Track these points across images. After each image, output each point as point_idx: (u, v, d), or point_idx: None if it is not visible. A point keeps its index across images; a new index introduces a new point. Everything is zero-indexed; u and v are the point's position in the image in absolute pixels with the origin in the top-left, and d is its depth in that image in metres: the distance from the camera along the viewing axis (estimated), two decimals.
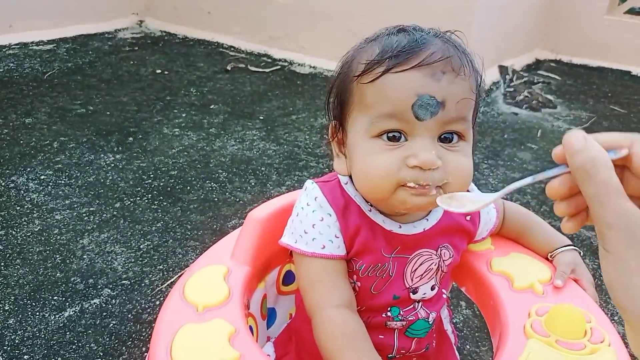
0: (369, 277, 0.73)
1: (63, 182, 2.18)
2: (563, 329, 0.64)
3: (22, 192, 2.09)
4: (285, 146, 2.63)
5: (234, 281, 0.74)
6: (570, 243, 0.83)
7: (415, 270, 0.74)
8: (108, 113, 2.84)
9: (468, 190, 0.69)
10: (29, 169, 2.25)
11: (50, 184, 2.16)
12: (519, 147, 2.78)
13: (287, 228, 0.75)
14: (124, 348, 1.38)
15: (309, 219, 0.71)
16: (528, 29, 4.02)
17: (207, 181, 2.26)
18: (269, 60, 3.90)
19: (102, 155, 2.41)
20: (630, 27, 3.95)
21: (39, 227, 1.88)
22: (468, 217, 0.79)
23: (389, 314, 0.76)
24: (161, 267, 1.71)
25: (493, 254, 0.82)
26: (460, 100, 0.63)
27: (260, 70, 3.68)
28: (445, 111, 0.63)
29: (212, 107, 3.04)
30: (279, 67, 3.78)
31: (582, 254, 0.84)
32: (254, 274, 0.79)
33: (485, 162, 2.56)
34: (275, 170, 2.38)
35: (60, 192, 2.10)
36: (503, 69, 3.67)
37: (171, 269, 1.69)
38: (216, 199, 2.12)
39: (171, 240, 1.85)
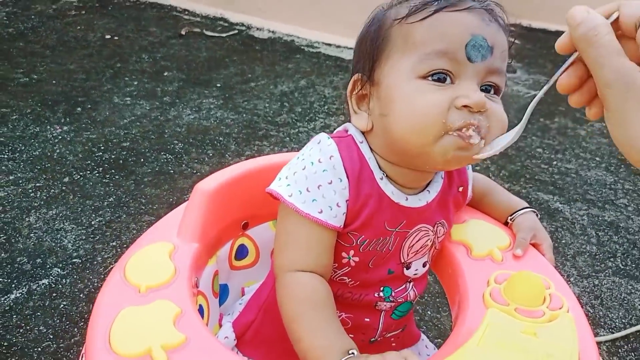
0: (369, 251, 0.69)
1: (6, 156, 2.05)
2: (522, 296, 0.63)
3: None
4: (244, 115, 2.55)
5: (180, 259, 0.69)
6: (528, 205, 0.83)
7: (413, 245, 0.72)
8: (54, 82, 2.68)
9: None
10: None
11: None
12: None
13: (284, 177, 0.67)
14: (75, 329, 1.32)
15: (316, 177, 0.65)
16: None
17: (162, 152, 2.17)
18: (226, 24, 3.75)
19: (48, 127, 2.28)
20: None
21: None
22: (460, 189, 0.77)
23: (380, 294, 0.73)
24: (114, 243, 1.63)
25: None
26: (504, 51, 0.63)
27: (217, 35, 3.54)
28: (493, 58, 0.62)
29: (165, 74, 2.91)
30: (236, 31, 3.64)
31: (539, 215, 0.83)
32: (203, 251, 0.74)
33: None
34: (234, 140, 2.31)
35: (3, 167, 1.98)
36: None
37: (125, 245, 1.62)
38: (172, 171, 2.04)
39: (124, 216, 1.77)
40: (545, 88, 0.52)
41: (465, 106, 0.59)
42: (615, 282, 1.68)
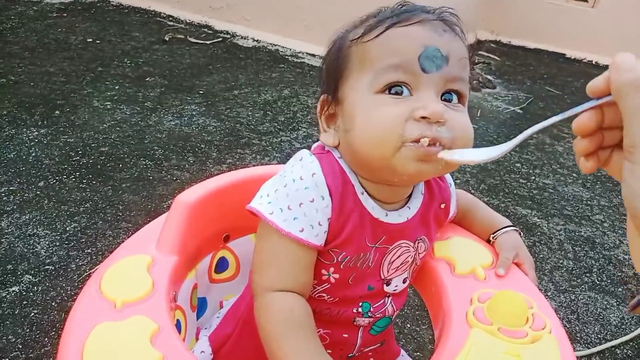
0: (350, 267, 0.68)
1: None
2: (505, 316, 0.63)
3: None
4: (226, 122, 2.53)
5: (158, 273, 0.67)
6: (510, 223, 0.83)
7: (393, 262, 0.71)
8: (32, 84, 2.62)
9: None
10: None
11: None
12: None
13: (265, 194, 0.66)
14: (46, 339, 1.28)
15: (298, 195, 0.63)
16: (469, 10, 4.06)
17: (142, 158, 2.14)
18: (210, 31, 3.73)
19: (25, 129, 2.23)
20: (566, 10, 4.08)
21: None
22: (442, 205, 0.76)
23: (359, 309, 0.73)
24: (89, 250, 1.60)
25: (434, 237, 0.80)
26: (461, 59, 0.63)
27: (201, 42, 3.52)
28: (449, 67, 0.62)
29: (148, 79, 2.87)
30: (220, 39, 3.62)
31: (521, 234, 0.83)
32: (182, 264, 0.72)
33: None
34: (215, 148, 2.29)
35: None
36: None
37: (100, 253, 1.59)
38: (151, 178, 2.01)
39: (101, 222, 1.74)
40: (555, 119, 0.49)
41: (423, 117, 0.59)
42: (591, 297, 1.70)
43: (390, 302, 0.75)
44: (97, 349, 0.55)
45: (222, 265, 0.84)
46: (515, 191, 2.22)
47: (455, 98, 0.63)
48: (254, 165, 2.16)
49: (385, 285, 0.73)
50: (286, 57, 3.48)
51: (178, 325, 0.70)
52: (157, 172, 2.06)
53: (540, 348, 0.60)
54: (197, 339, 0.80)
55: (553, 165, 2.47)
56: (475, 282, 0.72)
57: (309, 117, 2.68)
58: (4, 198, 1.80)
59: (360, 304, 0.72)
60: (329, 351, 0.63)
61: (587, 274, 1.80)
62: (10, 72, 2.71)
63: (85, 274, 1.50)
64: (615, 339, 1.54)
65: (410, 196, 0.72)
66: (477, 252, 0.78)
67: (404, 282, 0.75)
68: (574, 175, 2.40)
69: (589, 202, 2.21)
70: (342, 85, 0.66)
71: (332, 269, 0.68)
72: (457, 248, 0.78)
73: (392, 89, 0.61)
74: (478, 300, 0.68)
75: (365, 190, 0.68)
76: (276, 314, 0.62)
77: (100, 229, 1.70)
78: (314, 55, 3.54)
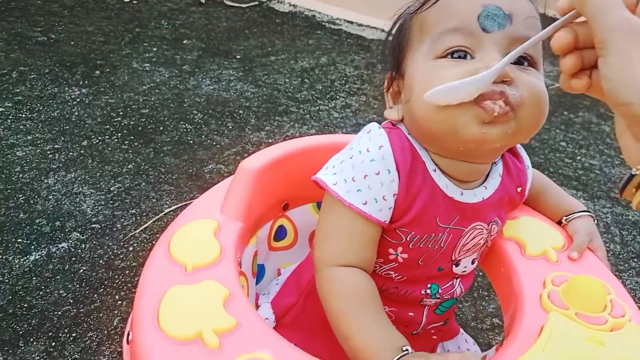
0: (420, 248, 0.66)
1: (24, 115, 2.02)
2: (583, 301, 0.61)
3: None
4: (264, 89, 2.50)
5: (225, 238, 0.66)
6: (585, 208, 0.79)
7: (466, 244, 0.69)
8: (72, 43, 2.63)
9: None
10: None
11: (10, 117, 2.00)
12: None
13: (331, 165, 0.65)
14: (95, 295, 1.31)
15: (363, 167, 0.61)
16: None
17: (182, 122, 2.14)
18: None
19: (67, 88, 2.24)
20: None
21: None
22: (519, 189, 0.73)
23: (427, 291, 0.71)
24: (133, 211, 1.62)
25: None
26: (528, 18, 0.58)
27: (237, 5, 3.46)
28: (514, 26, 0.57)
29: (185, 42, 2.85)
30: (256, 2, 3.55)
31: (596, 220, 0.80)
32: (246, 230, 0.71)
33: None
34: (254, 114, 2.27)
35: (22, 127, 1.95)
36: None
37: (144, 214, 1.61)
38: (191, 142, 2.01)
39: (144, 184, 1.75)
40: (533, 41, 0.51)
41: None
42: (639, 283, 1.65)
43: (459, 283, 0.73)
44: (172, 311, 0.55)
45: (280, 233, 0.83)
46: (560, 171, 2.16)
47: (525, 62, 0.59)
48: (294, 134, 2.15)
49: (454, 266, 0.71)
50: (323, 23, 3.40)
51: None
52: (197, 136, 2.06)
53: (624, 336, 0.57)
54: (256, 304, 0.80)
55: (600, 146, 2.38)
56: (547, 265, 0.70)
57: (347, 86, 2.63)
58: (50, 156, 1.82)
59: (428, 285, 0.71)
60: None
61: (635, 259, 1.75)
62: (51, 30, 2.72)
63: (131, 234, 1.52)
64: None
65: (487, 177, 0.69)
66: (548, 234, 0.75)
67: (472, 263, 0.73)
68: (621, 156, 2.32)
69: None
70: (404, 59, 0.65)
71: (400, 249, 0.66)
72: (527, 228, 0.75)
73: (454, 54, 0.58)
74: (552, 283, 0.66)
75: (438, 167, 0.65)
76: (341, 290, 0.61)
77: (143, 190, 1.71)
78: (351, 23, 3.45)
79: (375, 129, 0.64)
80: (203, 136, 2.06)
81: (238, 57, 2.79)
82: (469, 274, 0.74)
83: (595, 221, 0.79)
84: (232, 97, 2.39)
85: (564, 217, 0.78)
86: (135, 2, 3.27)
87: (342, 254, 0.62)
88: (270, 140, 2.08)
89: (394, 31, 0.67)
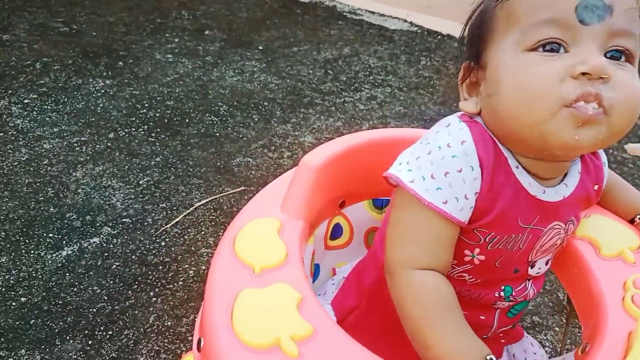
0: (499, 250, 0.63)
1: (49, 107, 2.00)
2: None
3: (4, 117, 1.92)
4: (287, 80, 2.46)
5: (289, 237, 0.63)
6: None
7: (544, 244, 0.66)
8: (94, 33, 2.61)
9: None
10: (10, 92, 2.05)
11: (36, 109, 1.98)
12: None
13: (404, 162, 0.60)
14: (130, 292, 1.30)
15: (444, 164, 0.57)
16: None
17: (207, 114, 2.11)
18: None
19: (91, 79, 2.22)
20: None
21: (26, 157, 1.73)
22: (596, 187, 0.70)
23: (501, 293, 0.68)
24: (164, 205, 1.59)
25: None
26: (630, 9, 0.54)
27: None
28: (614, 18, 0.53)
29: (206, 32, 2.82)
30: None
31: None
32: (306, 229, 0.68)
33: None
34: (279, 106, 2.24)
35: (48, 119, 1.94)
36: None
37: (175, 208, 1.59)
38: (218, 134, 1.99)
39: (173, 177, 1.73)
40: None
41: (583, 74, 0.51)
42: None
43: (532, 285, 0.70)
44: (246, 316, 0.52)
45: (336, 231, 0.80)
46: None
47: (622, 57, 0.55)
48: (320, 128, 2.11)
49: (529, 267, 0.68)
50: (344, 13, 3.35)
51: None
52: (223, 128, 2.03)
53: None
54: None
55: (632, 139, 2.32)
56: (625, 266, 0.66)
57: (371, 77, 2.59)
58: (77, 148, 1.81)
59: (502, 287, 0.67)
60: None
61: None
62: (72, 21, 2.70)
63: (162, 228, 1.50)
64: None
65: (566, 174, 0.66)
66: (622, 233, 0.71)
67: (546, 264, 0.70)
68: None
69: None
70: (485, 49, 0.60)
71: (477, 250, 0.63)
72: (600, 228, 0.71)
73: (546, 46, 0.54)
74: (634, 285, 0.62)
75: (520, 164, 0.62)
76: (423, 295, 0.57)
77: (172, 184, 1.69)
78: (373, 13, 3.40)
79: (456, 123, 0.60)
80: (229, 129, 2.03)
81: (260, 48, 2.75)
82: (542, 275, 0.71)
83: None
84: (257, 88, 2.36)
85: (638, 216, 0.75)
86: None
87: (420, 257, 0.59)
88: (296, 133, 2.05)
89: (473, 19, 0.63)
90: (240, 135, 2.00)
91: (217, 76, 2.41)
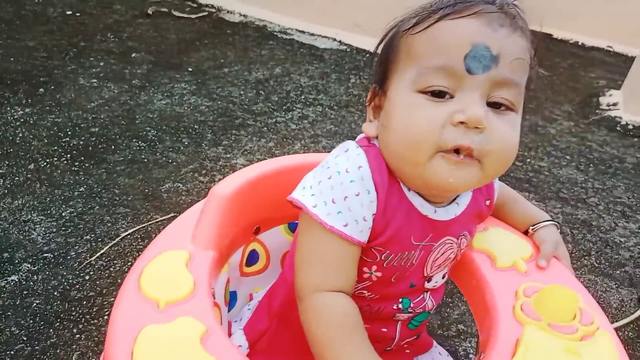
0: (393, 267, 0.66)
1: None
2: (554, 311, 0.62)
3: None
4: (218, 102, 2.46)
5: (197, 269, 0.64)
6: (550, 218, 0.82)
7: (437, 259, 0.70)
8: (12, 59, 2.50)
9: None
10: None
11: None
12: None
13: (308, 186, 0.63)
14: (51, 330, 1.24)
15: (343, 188, 0.60)
16: None
17: (134, 140, 2.07)
18: (194, 5, 3.61)
19: (9, 108, 2.13)
20: None
21: None
22: (488, 202, 0.75)
23: (400, 305, 0.71)
24: (88, 237, 1.54)
25: None
26: (516, 60, 0.58)
27: (186, 16, 3.40)
28: (499, 68, 0.57)
29: (133, 55, 2.77)
30: (206, 13, 3.50)
31: (560, 229, 0.82)
32: (218, 259, 0.69)
33: None
34: (209, 129, 2.23)
35: None
36: None
37: (100, 239, 1.54)
38: (146, 160, 1.95)
39: (97, 207, 1.68)
40: None
41: (462, 122, 0.56)
42: (591, 280, 1.73)
43: (430, 297, 0.74)
44: (147, 353, 0.52)
45: (252, 258, 0.81)
46: (512, 174, 2.23)
47: (503, 107, 0.59)
48: (252, 148, 2.12)
49: (426, 282, 0.71)
50: (275, 33, 3.39)
51: None
52: (151, 154, 2.00)
53: (596, 345, 0.59)
54: (229, 332, 0.78)
55: (547, 148, 2.49)
56: (518, 276, 0.72)
57: (302, 97, 2.63)
58: None
59: (400, 300, 0.71)
60: None
61: (586, 257, 1.83)
62: None
63: (86, 261, 1.45)
64: (616, 321, 1.57)
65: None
66: (517, 245, 0.77)
67: (443, 277, 0.74)
68: (567, 157, 2.43)
69: (583, 185, 2.24)
70: (388, 77, 0.64)
71: (374, 267, 0.66)
72: (496, 240, 0.77)
73: (434, 91, 0.58)
74: (524, 294, 0.67)
75: (411, 188, 0.66)
76: (328, 317, 0.60)
77: (97, 214, 1.64)
78: (303, 32, 3.46)
79: (354, 148, 0.64)
80: (158, 154, 2.00)
81: (190, 69, 2.73)
82: (440, 287, 0.75)
83: (560, 228, 0.82)
84: (186, 111, 2.34)
85: (530, 227, 0.80)
86: (78, 14, 3.15)
87: (326, 279, 0.62)
88: (228, 155, 2.04)
89: (384, 42, 0.66)
90: (170, 160, 1.97)
91: (144, 100, 2.37)
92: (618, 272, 1.78)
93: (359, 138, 0.69)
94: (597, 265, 1.79)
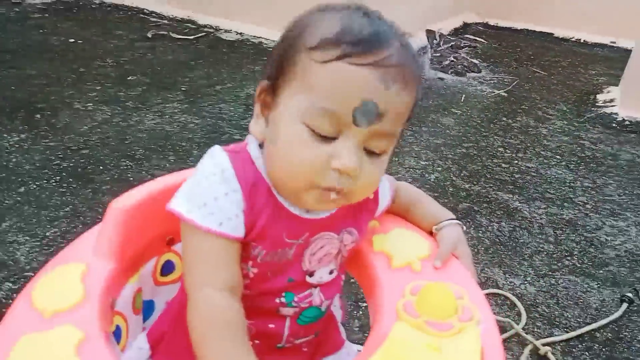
0: (268, 262, 0.69)
1: None
2: (433, 308, 0.63)
3: None
4: (208, 119, 2.53)
5: (92, 281, 0.67)
6: (454, 217, 0.83)
7: (315, 253, 0.72)
8: (12, 88, 2.62)
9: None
10: None
11: None
12: (442, 112, 2.80)
13: (182, 194, 0.67)
14: None
15: (211, 191, 0.64)
16: None
17: (122, 159, 2.14)
18: (194, 26, 3.72)
19: (5, 135, 2.23)
20: None
21: None
22: (371, 195, 0.76)
23: (282, 299, 0.73)
24: None
25: (376, 231, 0.81)
26: (400, 114, 0.63)
27: (184, 37, 3.51)
28: (382, 123, 0.61)
29: (130, 78, 2.87)
30: (204, 33, 3.61)
31: (464, 228, 0.83)
32: (120, 270, 0.72)
33: (410, 129, 2.57)
34: (196, 145, 2.29)
35: None
36: (430, 33, 3.67)
37: None
38: (131, 179, 2.02)
39: (81, 226, 1.74)
40: None
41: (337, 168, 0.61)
42: (571, 281, 1.70)
43: (319, 292, 0.75)
44: None
45: (168, 267, 0.84)
46: (497, 176, 2.22)
47: (377, 152, 0.64)
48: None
49: (307, 276, 0.73)
50: (270, 49, 3.46)
51: (118, 331, 0.71)
52: (137, 172, 2.06)
53: (461, 339, 0.60)
54: None
55: (536, 148, 2.46)
56: (410, 275, 0.72)
57: None
58: None
59: (282, 294, 0.72)
60: (257, 342, 0.64)
61: (568, 257, 1.80)
62: None
63: None
64: (595, 322, 1.54)
65: None
66: (416, 245, 0.78)
67: (330, 273, 0.75)
68: (557, 157, 2.39)
69: (572, 184, 2.20)
70: (281, 84, 0.65)
71: (250, 263, 0.69)
72: (396, 241, 0.78)
73: (319, 132, 0.62)
74: (410, 292, 0.68)
75: None
76: (209, 313, 0.62)
77: (80, 233, 1.69)
78: None
79: (218, 152, 0.67)
80: (144, 172, 2.07)
81: (183, 89, 2.82)
82: (329, 283, 0.76)
83: (464, 227, 0.83)
84: (175, 129, 2.41)
85: (434, 227, 0.82)
86: (80, 41, 3.28)
87: (211, 276, 0.64)
88: None
89: (283, 39, 0.65)
90: (154, 178, 2.03)
91: (136, 120, 2.45)
92: (601, 271, 1.75)
93: (231, 145, 0.71)
94: (578, 265, 1.76)
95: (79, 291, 0.65)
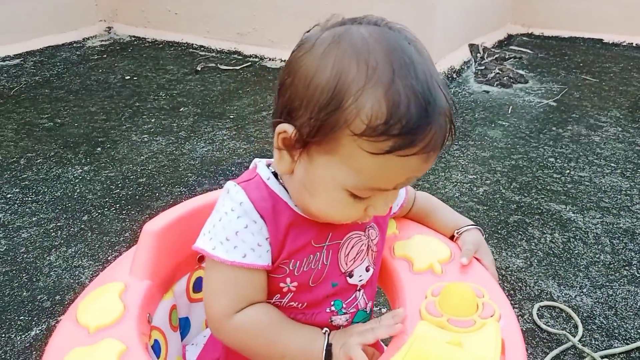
0: (305, 272, 0.72)
1: (30, 198, 2.17)
2: (454, 307, 0.65)
3: None
4: (255, 144, 2.61)
5: (130, 297, 0.73)
6: (474, 223, 0.85)
7: (348, 254, 0.75)
8: (76, 125, 2.83)
9: None
10: None
11: (17, 202, 2.15)
12: (489, 125, 2.76)
13: (206, 232, 0.71)
14: None
15: (232, 226, 0.68)
16: (498, 5, 3.98)
17: (176, 186, 2.25)
18: (240, 57, 3.88)
19: (70, 168, 2.40)
20: None
21: (4, 247, 1.88)
22: None
23: (332, 308, 0.75)
24: None
25: (397, 238, 0.84)
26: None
27: (231, 68, 3.66)
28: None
29: (181, 109, 3.03)
30: (249, 63, 3.75)
31: (484, 234, 0.85)
32: (156, 287, 0.78)
33: (456, 143, 2.55)
34: (245, 169, 2.35)
35: (27, 210, 2.10)
36: (474, 47, 3.64)
37: None
38: None
39: None
40: None
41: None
42: (631, 291, 1.62)
43: (362, 294, 0.77)
44: None
45: (200, 284, 0.89)
46: (548, 187, 2.16)
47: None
48: None
49: (348, 277, 0.75)
50: None
51: (157, 345, 0.76)
52: (190, 197, 2.16)
53: (481, 334, 0.61)
54: (184, 356, 0.85)
55: (589, 157, 2.37)
56: (432, 277, 0.75)
57: None
58: (52, 234, 1.95)
59: (331, 302, 0.75)
60: None
61: (626, 267, 1.71)
62: (57, 115, 2.94)
63: None
64: None
65: None
66: (436, 248, 0.81)
67: (367, 270, 0.77)
68: (612, 165, 2.30)
69: (628, 191, 2.11)
70: (317, 147, 0.62)
71: (288, 279, 0.72)
72: (417, 246, 0.82)
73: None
74: (432, 294, 0.70)
75: None
76: (251, 328, 0.68)
77: None
78: None
79: (232, 188, 0.70)
80: None
81: (231, 116, 2.93)
82: (368, 282, 0.78)
83: (483, 233, 0.86)
84: (225, 155, 2.51)
85: (455, 231, 0.85)
86: (135, 78, 3.50)
87: (236, 303, 0.69)
88: None
89: (324, 91, 0.60)
90: None
91: (188, 149, 2.57)
92: None
93: (241, 176, 0.74)
94: (638, 275, 1.68)
95: (119, 307, 0.70)
